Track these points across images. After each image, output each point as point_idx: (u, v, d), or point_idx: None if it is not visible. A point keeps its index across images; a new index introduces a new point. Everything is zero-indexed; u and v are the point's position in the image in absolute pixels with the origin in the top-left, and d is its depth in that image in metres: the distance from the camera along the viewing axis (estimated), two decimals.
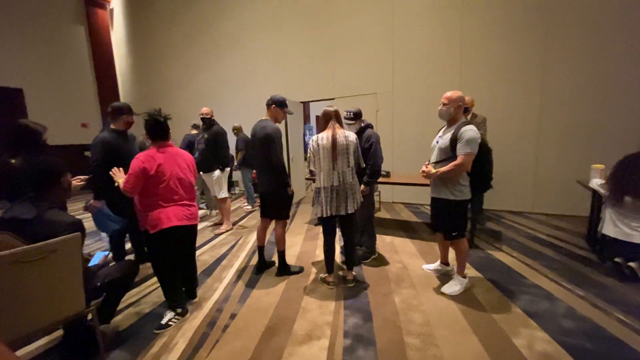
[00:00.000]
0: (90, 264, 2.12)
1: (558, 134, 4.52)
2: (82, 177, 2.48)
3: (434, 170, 2.40)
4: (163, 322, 2.28)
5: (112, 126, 2.85)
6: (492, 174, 2.49)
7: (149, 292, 2.82)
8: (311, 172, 2.63)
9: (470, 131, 2.28)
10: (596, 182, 3.09)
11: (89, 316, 2.01)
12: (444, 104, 2.40)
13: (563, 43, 4.35)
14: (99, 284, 1.99)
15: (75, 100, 8.68)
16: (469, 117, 4.00)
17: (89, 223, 2.85)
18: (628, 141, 3.77)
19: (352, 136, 2.53)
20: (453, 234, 2.51)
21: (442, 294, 2.59)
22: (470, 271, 2.96)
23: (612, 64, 4.15)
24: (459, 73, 4.99)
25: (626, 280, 2.67)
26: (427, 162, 2.51)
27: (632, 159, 2.71)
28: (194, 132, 5.22)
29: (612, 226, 2.78)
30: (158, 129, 2.28)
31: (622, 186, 2.69)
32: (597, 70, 4.22)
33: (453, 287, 2.61)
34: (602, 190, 2.96)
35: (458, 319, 2.25)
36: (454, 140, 2.33)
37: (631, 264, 2.70)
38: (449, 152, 2.36)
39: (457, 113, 2.40)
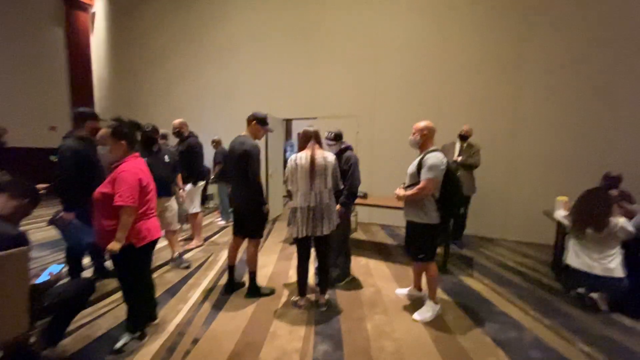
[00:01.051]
0: (41, 279, 1.93)
1: (528, 163, 4.75)
2: (43, 185, 2.32)
3: (402, 193, 2.49)
4: (117, 346, 2.10)
5: (77, 132, 2.70)
6: (457, 200, 2.52)
7: (104, 312, 2.61)
8: (288, 191, 2.59)
9: (432, 158, 2.39)
10: (560, 214, 3.23)
11: (32, 339, 1.82)
12: (412, 133, 2.55)
13: (536, 78, 4.64)
14: (46, 303, 1.81)
15: (46, 102, 8.27)
16: (464, 145, 4.17)
17: (36, 235, 2.64)
18: (592, 174, 3.98)
19: (331, 157, 2.53)
20: (419, 256, 2.55)
21: (415, 320, 2.56)
22: (443, 296, 2.97)
23: (578, 98, 4.44)
24: (437, 99, 5.19)
25: (589, 311, 2.75)
26: (401, 184, 2.58)
27: (593, 192, 2.86)
28: (162, 142, 4.93)
29: (575, 257, 2.88)
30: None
31: (584, 219, 2.82)
32: (566, 103, 4.50)
33: (424, 313, 2.60)
34: (565, 222, 3.09)
35: (429, 348, 2.22)
36: (419, 166, 2.45)
37: (592, 295, 2.80)
38: (416, 177, 2.47)
39: (424, 141, 2.51)
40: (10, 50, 7.60)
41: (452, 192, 2.45)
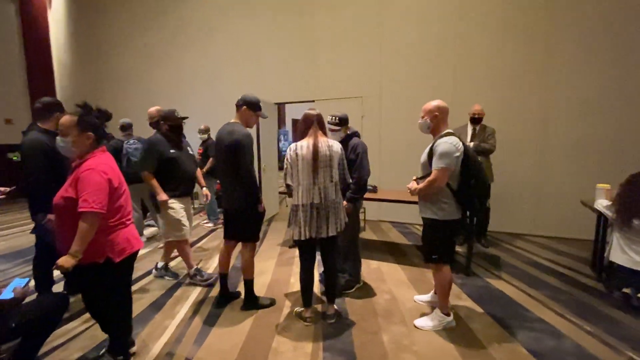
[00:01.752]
0: (4, 295, 1.91)
1: (562, 150, 4.74)
2: (3, 188, 2.29)
3: (414, 187, 2.47)
4: None
5: (40, 125, 2.67)
6: (480, 191, 2.49)
7: (79, 332, 2.61)
8: (288, 186, 2.56)
9: (443, 144, 2.34)
10: (602, 204, 3.23)
11: None
12: (421, 116, 2.51)
13: (569, 51, 4.60)
14: (14, 324, 1.80)
15: None
16: (477, 128, 4.12)
17: (5, 243, 2.62)
18: (636, 158, 3.98)
19: (337, 146, 2.50)
20: (433, 257, 2.53)
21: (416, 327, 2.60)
22: (468, 303, 2.97)
23: (621, 77, 4.41)
24: (452, 77, 5.15)
25: (637, 314, 2.76)
26: (414, 177, 2.55)
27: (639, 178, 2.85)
28: (122, 134, 4.65)
29: (620, 253, 2.88)
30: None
31: (630, 208, 2.81)
32: (605, 83, 4.47)
33: (427, 321, 2.62)
34: (608, 213, 3.08)
35: None
36: (430, 154, 2.41)
37: None
38: (428, 167, 2.43)
39: (436, 124, 2.46)
40: None
41: (474, 182, 2.42)
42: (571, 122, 4.66)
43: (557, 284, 3.34)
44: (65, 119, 1.94)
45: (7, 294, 1.90)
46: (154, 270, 3.65)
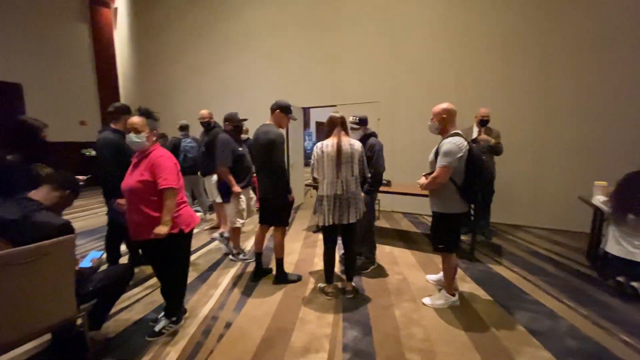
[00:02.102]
0: (83, 264, 2.04)
1: (560, 148, 4.52)
2: (81, 177, 2.43)
3: (423, 182, 2.45)
4: (156, 329, 2.20)
5: (112, 126, 2.80)
6: (484, 187, 2.42)
7: (141, 297, 2.74)
8: (314, 179, 2.58)
9: (447, 144, 2.28)
10: (599, 200, 3.07)
11: (79, 321, 1.93)
12: (431, 119, 2.46)
13: (567, 53, 4.36)
14: (91, 288, 1.91)
15: (75, 97, 8.60)
16: (482, 130, 3.98)
17: (78, 223, 2.77)
18: (632, 157, 3.75)
19: (358, 144, 2.50)
20: (439, 246, 2.50)
21: (424, 304, 2.58)
22: (470, 285, 2.92)
23: (618, 76, 4.14)
24: (456, 83, 5.00)
25: (629, 300, 2.63)
26: (424, 174, 2.52)
27: (635, 176, 2.69)
28: (181, 134, 4.99)
29: (615, 244, 2.75)
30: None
31: (625, 204, 2.67)
32: (602, 82, 4.21)
33: (435, 300, 2.58)
34: (605, 208, 2.93)
35: (460, 336, 2.19)
36: (436, 153, 2.37)
37: (634, 283, 2.67)
38: (435, 165, 2.39)
39: (444, 126, 2.40)
40: (41, 48, 7.91)
41: (477, 179, 2.35)
42: (570, 122, 4.42)
43: (553, 271, 3.22)
44: (139, 120, 2.05)
45: (86, 264, 2.03)
46: (230, 257, 3.60)
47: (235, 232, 3.52)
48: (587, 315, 2.43)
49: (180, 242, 2.11)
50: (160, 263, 2.16)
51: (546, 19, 4.42)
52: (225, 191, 3.31)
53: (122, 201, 2.49)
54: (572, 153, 4.46)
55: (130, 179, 2.01)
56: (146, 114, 2.14)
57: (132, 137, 2.01)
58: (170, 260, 2.15)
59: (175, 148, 4.76)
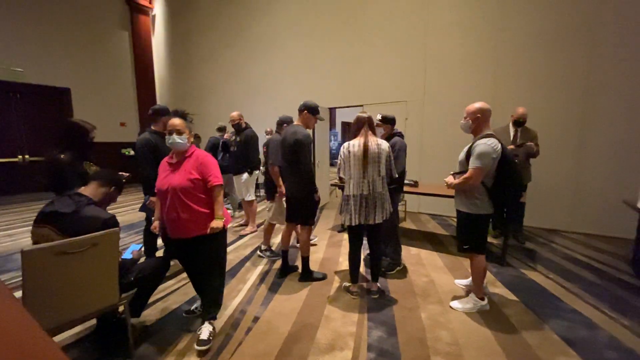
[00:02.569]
0: (125, 256, 2.20)
1: (602, 148, 4.24)
2: (124, 173, 2.61)
3: (450, 181, 2.40)
4: (203, 337, 2.09)
5: (152, 127, 2.97)
6: (513, 191, 2.33)
7: (175, 288, 2.90)
8: (340, 179, 2.61)
9: (482, 145, 2.23)
10: None
11: (121, 309, 2.08)
12: (464, 117, 2.40)
13: (613, 52, 4.08)
14: (132, 278, 2.06)
15: (116, 100, 9.17)
16: (519, 130, 3.83)
17: (119, 218, 2.96)
18: None
19: (385, 144, 2.50)
20: (464, 247, 2.45)
21: (452, 308, 2.53)
22: (501, 290, 2.82)
23: None
24: (492, 81, 4.82)
25: None
26: (451, 172, 2.48)
27: None
28: (219, 134, 5.31)
29: None
30: None
31: None
32: None
33: (464, 304, 2.52)
34: None
35: (489, 341, 2.13)
36: (468, 153, 2.32)
37: None
38: (465, 165, 2.34)
39: (477, 125, 2.34)
40: (86, 54, 8.50)
41: (509, 182, 2.27)
42: (615, 123, 4.12)
43: (592, 279, 3.04)
44: (180, 121, 2.11)
45: (127, 255, 2.18)
46: (258, 252, 3.72)
47: (269, 228, 3.63)
48: (628, 326, 2.28)
49: (224, 237, 2.21)
50: (206, 259, 2.16)
51: (589, 11, 4.16)
52: (269, 190, 3.45)
53: (154, 199, 2.55)
54: (616, 154, 4.16)
55: (176, 178, 2.03)
56: (181, 115, 2.20)
57: (174, 138, 2.05)
58: (215, 256, 2.19)
59: (214, 147, 5.00)
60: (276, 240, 4.21)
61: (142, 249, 2.43)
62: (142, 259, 2.73)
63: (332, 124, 14.92)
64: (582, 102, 4.30)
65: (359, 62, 6.07)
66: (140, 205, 3.12)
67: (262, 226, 4.85)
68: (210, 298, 2.21)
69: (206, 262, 2.17)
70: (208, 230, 2.00)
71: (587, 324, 2.32)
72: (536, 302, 2.61)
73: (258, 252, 3.72)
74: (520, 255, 3.62)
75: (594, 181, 4.31)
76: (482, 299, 2.50)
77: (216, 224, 2.01)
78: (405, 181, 4.09)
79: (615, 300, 2.64)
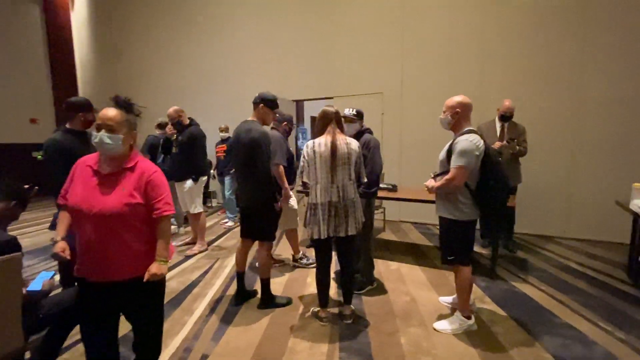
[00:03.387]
0: (33, 287, 2.05)
1: (596, 148, 4.60)
2: (29, 185, 2.44)
3: (431, 184, 2.50)
4: None
5: (67, 125, 2.80)
6: (500, 192, 2.47)
7: None
8: (304, 184, 2.62)
9: (463, 142, 2.34)
10: (638, 204, 3.13)
11: (27, 355, 1.94)
12: (443, 111, 2.52)
13: (604, 45, 4.45)
14: (41, 315, 1.93)
15: (24, 91, 8.60)
16: (506, 125, 4.06)
17: (26, 240, 2.78)
18: None
19: (355, 143, 2.55)
20: (449, 258, 2.55)
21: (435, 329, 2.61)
22: (490, 306, 2.95)
23: None
24: (479, 71, 5.08)
25: None
26: (431, 174, 2.58)
27: None
28: (159, 132, 5.14)
29: None
30: None
31: None
32: None
33: (447, 324, 2.61)
34: None
35: None
36: (449, 152, 2.42)
37: None
38: (446, 165, 2.45)
39: (457, 121, 2.47)
40: None
41: (493, 182, 2.40)
42: (605, 119, 4.51)
43: (588, 289, 3.27)
44: (116, 114, 1.69)
45: (35, 286, 2.04)
46: (292, 263, 4.02)
47: (291, 234, 3.88)
48: (625, 340, 2.47)
49: (164, 285, 1.87)
50: (140, 315, 1.81)
51: (583, 6, 4.50)
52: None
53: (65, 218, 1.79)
54: (608, 154, 4.55)
55: (108, 200, 1.61)
56: (125, 106, 1.78)
57: (102, 136, 1.61)
58: (153, 311, 1.84)
59: (152, 148, 4.83)
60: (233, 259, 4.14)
61: (56, 277, 2.30)
62: (57, 291, 2.57)
63: (300, 119, 14.98)
64: (575, 94, 4.64)
65: (329, 48, 6.18)
66: (50, 222, 2.93)
67: (214, 244, 4.76)
68: (146, 347, 1.91)
69: (139, 317, 1.81)
70: (145, 278, 1.62)
71: (582, 340, 2.48)
72: (528, 318, 2.76)
73: (292, 263, 3.98)
74: (511, 266, 3.82)
75: (588, 181, 4.66)
76: (469, 318, 2.60)
77: (157, 269, 1.63)
78: (382, 185, 4.20)
79: (611, 312, 2.85)
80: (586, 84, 4.58)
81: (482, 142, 2.38)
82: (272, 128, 3.52)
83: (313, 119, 15.49)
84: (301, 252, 3.99)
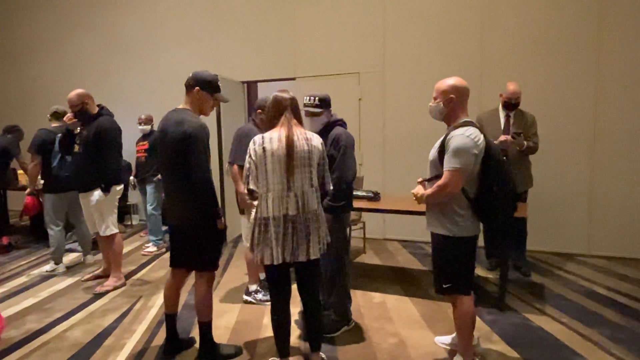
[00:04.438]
0: None
1: (619, 146, 4.83)
2: None
3: (420, 192, 2.51)
4: None
5: None
6: (506, 200, 2.54)
7: None
8: (250, 192, 2.56)
9: (457, 137, 2.36)
10: None
11: None
12: (433, 98, 2.55)
13: (627, 20, 4.68)
14: None
15: None
16: (512, 114, 4.19)
17: None
18: None
19: (317, 140, 2.55)
20: (444, 285, 2.57)
21: None
22: (499, 346, 3.02)
23: None
24: (479, 48, 5.25)
25: None
26: (419, 180, 2.62)
27: None
28: (55, 124, 4.93)
29: None
30: None
31: None
32: None
33: None
34: None
35: None
36: (442, 150, 2.45)
37: None
38: (439, 167, 2.47)
39: (452, 110, 2.50)
40: None
41: (496, 188, 2.46)
42: (636, 106, 4.74)
43: (616, 319, 3.41)
44: None
45: None
46: (245, 298, 3.97)
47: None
48: None
49: None
50: None
51: None
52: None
53: None
54: (632, 150, 4.78)
55: None
56: None
57: None
58: None
59: (44, 146, 4.61)
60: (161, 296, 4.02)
61: None
62: None
63: (252, 107, 14.87)
64: (592, 90, 4.86)
65: (290, 16, 6.19)
66: None
67: (134, 277, 4.62)
68: None
69: None
70: None
71: None
72: (545, 359, 2.84)
73: (245, 297, 3.93)
74: (524, 294, 3.94)
75: (613, 184, 4.89)
76: None
77: None
78: (361, 193, 4.22)
79: None
80: (606, 70, 4.80)
81: (481, 137, 2.42)
82: (251, 119, 3.64)
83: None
84: (257, 285, 3.94)
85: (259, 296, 3.92)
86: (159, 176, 5.34)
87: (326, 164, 2.60)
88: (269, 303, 3.47)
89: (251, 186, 2.51)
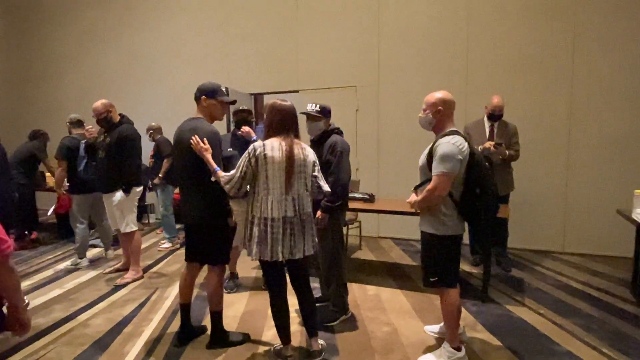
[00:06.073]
0: None
1: (594, 150, 4.85)
2: None
3: (414, 199, 2.56)
4: None
5: None
6: (488, 202, 2.56)
7: None
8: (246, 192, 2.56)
9: (444, 145, 2.40)
10: None
11: None
12: (423, 109, 2.59)
13: (600, 32, 4.70)
14: None
15: None
16: (495, 125, 4.22)
17: None
18: None
19: (309, 151, 2.59)
20: (431, 279, 2.60)
21: None
22: (483, 335, 3.03)
23: None
24: (465, 63, 5.27)
25: None
26: (414, 188, 2.65)
27: None
28: (77, 132, 4.91)
29: None
30: None
31: None
32: None
33: (437, 357, 2.65)
34: None
35: None
36: (430, 157, 2.48)
37: None
38: (427, 172, 2.51)
39: (440, 120, 2.54)
40: None
41: (479, 190, 2.47)
42: (605, 117, 4.77)
43: (590, 310, 3.42)
44: None
45: None
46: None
47: (236, 251, 3.89)
48: None
49: None
50: None
51: None
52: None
53: None
54: (608, 157, 4.79)
55: None
56: None
57: None
58: None
59: (71, 152, 4.62)
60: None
61: None
62: None
63: (259, 116, 14.88)
64: (567, 98, 4.89)
65: (294, 33, 6.21)
66: None
67: (151, 270, 4.62)
68: None
69: None
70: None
71: None
72: (525, 347, 2.85)
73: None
74: (505, 287, 3.95)
75: (586, 188, 4.91)
76: (459, 349, 2.65)
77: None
78: (357, 195, 4.24)
79: (615, 336, 3.00)
80: (581, 80, 4.82)
81: (466, 144, 2.44)
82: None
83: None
84: (228, 276, 3.96)
85: (228, 285, 3.97)
86: (159, 178, 5.52)
87: (319, 171, 2.63)
88: (233, 292, 3.73)
89: (243, 190, 2.49)
